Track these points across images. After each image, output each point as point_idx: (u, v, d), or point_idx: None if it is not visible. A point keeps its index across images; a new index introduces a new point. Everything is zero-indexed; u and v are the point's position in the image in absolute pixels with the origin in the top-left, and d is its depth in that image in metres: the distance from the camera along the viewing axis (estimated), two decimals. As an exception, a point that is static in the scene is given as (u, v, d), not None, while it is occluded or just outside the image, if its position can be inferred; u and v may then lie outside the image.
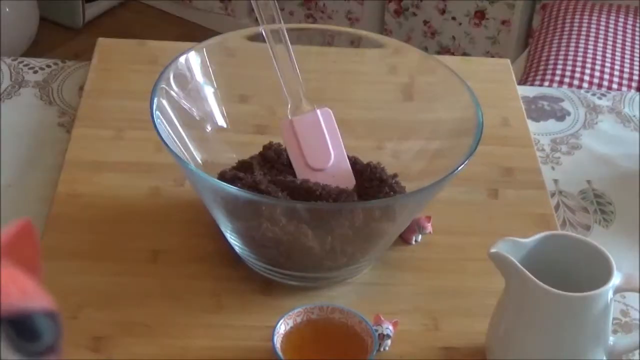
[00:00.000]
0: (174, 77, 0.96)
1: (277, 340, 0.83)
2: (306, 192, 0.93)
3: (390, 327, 0.86)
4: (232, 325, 0.89)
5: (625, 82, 1.75)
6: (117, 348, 0.86)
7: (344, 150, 0.98)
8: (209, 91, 1.02)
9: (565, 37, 1.87)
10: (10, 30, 2.46)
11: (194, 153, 0.97)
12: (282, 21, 0.96)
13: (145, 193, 1.02)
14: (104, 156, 1.07)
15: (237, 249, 0.93)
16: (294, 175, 0.97)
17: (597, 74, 1.75)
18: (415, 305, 0.92)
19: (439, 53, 2.49)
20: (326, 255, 0.89)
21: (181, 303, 0.90)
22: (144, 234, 0.97)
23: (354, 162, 0.99)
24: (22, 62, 1.26)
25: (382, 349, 0.86)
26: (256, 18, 0.96)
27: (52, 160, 1.07)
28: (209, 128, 1.02)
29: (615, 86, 1.73)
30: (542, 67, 1.80)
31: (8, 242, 0.52)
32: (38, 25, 2.62)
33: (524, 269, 0.78)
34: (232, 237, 0.92)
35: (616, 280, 0.79)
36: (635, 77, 1.76)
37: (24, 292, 0.49)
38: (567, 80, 1.73)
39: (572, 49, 1.83)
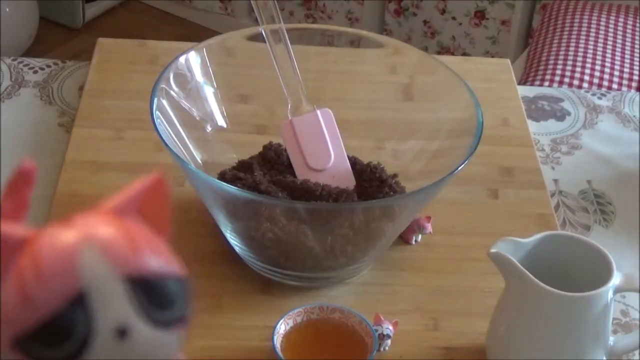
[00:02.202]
0: (174, 77, 0.96)
1: (277, 340, 0.83)
2: (306, 192, 0.93)
3: (390, 327, 0.86)
4: (232, 325, 0.89)
5: (625, 82, 1.75)
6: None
7: (344, 151, 0.98)
8: (209, 91, 1.02)
9: (565, 37, 1.87)
10: (10, 30, 2.46)
11: (194, 153, 0.97)
12: (282, 21, 0.96)
13: (145, 193, 1.02)
14: (104, 156, 1.07)
15: (237, 249, 0.93)
16: (294, 175, 0.97)
17: (597, 74, 1.75)
18: (415, 305, 0.92)
19: (439, 53, 2.49)
20: (326, 256, 0.89)
21: (181, 303, 0.90)
22: (144, 234, 0.97)
23: (354, 162, 0.99)
24: (22, 62, 1.26)
25: (382, 349, 0.86)
26: (256, 18, 0.96)
27: (52, 160, 1.07)
28: (209, 128, 1.02)
29: (615, 86, 1.73)
30: (542, 67, 1.80)
31: (138, 197, 0.47)
32: (38, 25, 2.62)
33: (524, 269, 0.78)
34: (232, 237, 0.92)
35: (616, 280, 0.79)
36: (635, 77, 1.76)
37: (156, 252, 0.45)
38: (567, 80, 1.73)
39: (572, 49, 1.83)
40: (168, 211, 0.49)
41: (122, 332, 0.43)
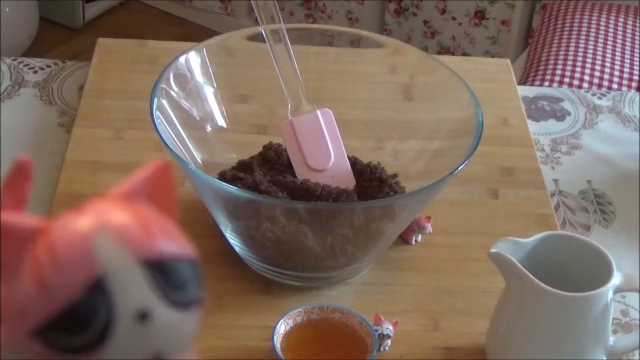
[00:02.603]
0: (174, 77, 0.96)
1: (277, 340, 0.83)
2: (306, 192, 0.93)
3: (390, 327, 0.86)
4: (232, 325, 0.89)
5: (625, 82, 1.75)
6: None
7: (344, 151, 0.98)
8: (209, 91, 1.02)
9: (565, 37, 1.87)
10: (10, 30, 2.46)
11: (194, 153, 0.97)
12: (282, 21, 0.96)
13: (145, 193, 1.02)
14: (104, 156, 1.07)
15: (237, 249, 0.93)
16: (294, 175, 0.97)
17: (597, 74, 1.75)
18: (415, 305, 0.92)
19: (439, 53, 2.49)
20: (326, 256, 0.89)
21: (181, 303, 0.90)
22: (144, 234, 0.97)
23: (354, 162, 0.99)
24: (22, 62, 1.26)
25: (382, 349, 0.86)
26: (256, 18, 0.96)
27: (52, 160, 1.07)
28: (209, 128, 1.02)
29: (615, 86, 1.73)
30: (542, 67, 1.80)
31: (146, 182, 0.48)
32: (38, 25, 2.62)
33: (524, 269, 0.78)
34: (232, 237, 0.92)
35: (616, 280, 0.79)
36: (635, 77, 1.76)
37: (168, 235, 0.45)
38: (567, 80, 1.73)
39: (572, 49, 1.83)
40: (174, 195, 0.50)
41: (143, 316, 0.43)
